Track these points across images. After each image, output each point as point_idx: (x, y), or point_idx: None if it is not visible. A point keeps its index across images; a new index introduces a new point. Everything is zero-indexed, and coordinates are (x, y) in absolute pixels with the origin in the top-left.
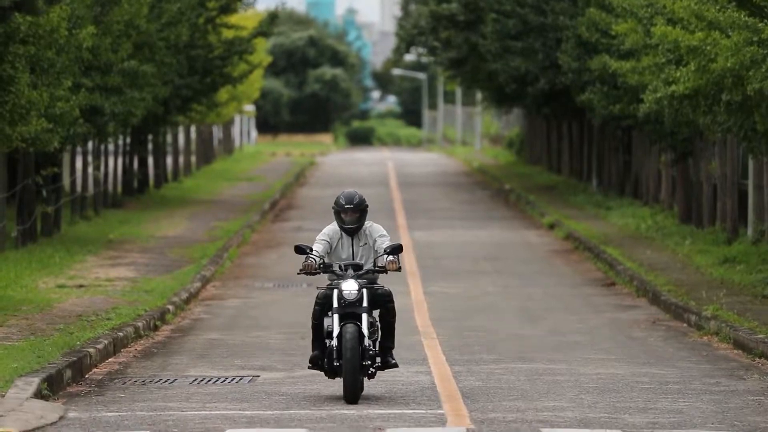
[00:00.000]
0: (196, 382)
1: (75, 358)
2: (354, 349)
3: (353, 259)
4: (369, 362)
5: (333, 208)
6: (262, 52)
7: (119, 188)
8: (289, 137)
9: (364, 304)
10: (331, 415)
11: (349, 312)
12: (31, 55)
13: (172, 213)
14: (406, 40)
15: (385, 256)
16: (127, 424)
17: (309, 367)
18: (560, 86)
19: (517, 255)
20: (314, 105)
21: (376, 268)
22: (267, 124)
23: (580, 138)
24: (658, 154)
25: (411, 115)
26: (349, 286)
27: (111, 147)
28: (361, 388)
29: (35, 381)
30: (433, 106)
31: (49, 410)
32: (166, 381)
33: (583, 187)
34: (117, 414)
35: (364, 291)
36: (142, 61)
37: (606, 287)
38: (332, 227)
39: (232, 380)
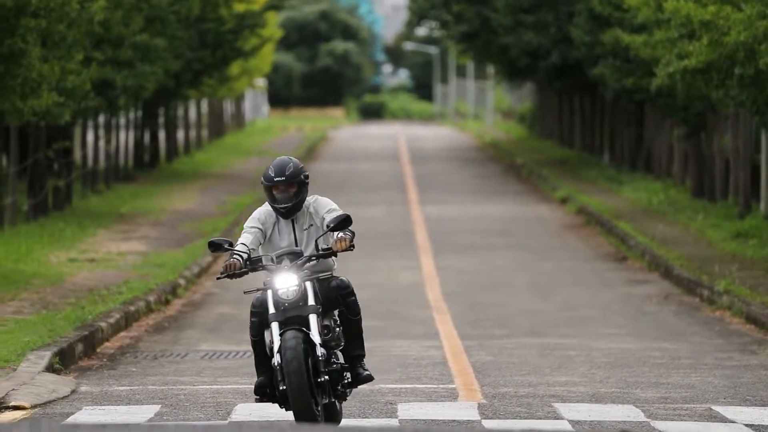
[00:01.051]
0: (207, 357)
1: (87, 332)
2: (297, 360)
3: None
4: (325, 378)
5: (261, 182)
6: (273, 25)
7: (131, 162)
8: (300, 111)
9: (311, 302)
10: None
11: (293, 316)
12: (42, 28)
13: (184, 187)
14: (418, 13)
15: (333, 234)
16: (138, 398)
17: (257, 400)
18: (572, 60)
19: (528, 229)
20: (326, 79)
21: (320, 252)
22: (278, 99)
23: (592, 112)
24: (671, 129)
25: (423, 89)
26: (285, 282)
27: (122, 121)
28: (334, 414)
29: (47, 355)
30: (444, 80)
31: (60, 384)
32: (177, 355)
33: (595, 161)
34: (128, 388)
35: (308, 285)
36: (154, 34)
37: (618, 262)
38: (265, 209)
39: (243, 354)
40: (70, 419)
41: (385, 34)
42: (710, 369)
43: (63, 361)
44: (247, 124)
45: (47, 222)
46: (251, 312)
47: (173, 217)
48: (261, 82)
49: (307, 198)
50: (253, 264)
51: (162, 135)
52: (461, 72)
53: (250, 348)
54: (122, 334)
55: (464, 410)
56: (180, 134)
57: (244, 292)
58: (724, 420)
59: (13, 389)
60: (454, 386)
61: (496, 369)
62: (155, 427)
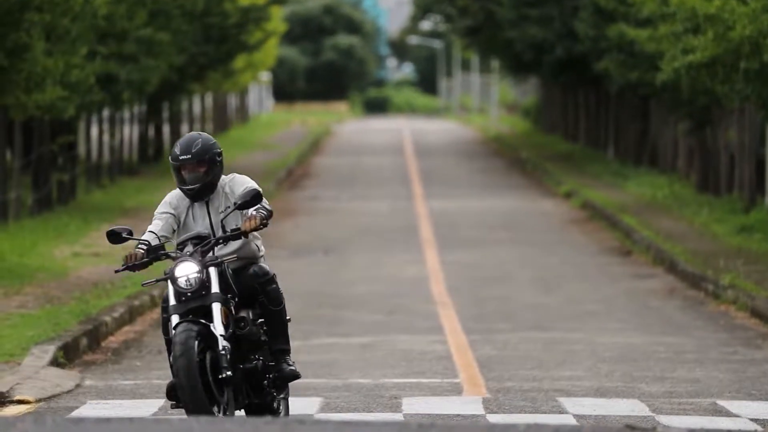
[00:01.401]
0: None
1: (91, 327)
2: (186, 356)
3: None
4: (228, 374)
5: (170, 162)
6: (277, 19)
7: (135, 156)
8: (305, 105)
9: (214, 289)
10: (346, 384)
11: (195, 307)
12: (47, 22)
13: None
14: (422, 7)
15: (246, 211)
16: (143, 392)
17: (172, 406)
18: (577, 54)
19: (533, 224)
20: (330, 73)
21: (228, 234)
22: (283, 93)
23: (596, 106)
24: (675, 123)
25: (427, 83)
26: (184, 270)
27: (127, 115)
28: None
29: (51, 349)
30: (449, 74)
31: (65, 378)
32: None
33: (599, 155)
34: (133, 382)
35: (211, 271)
36: (158, 29)
37: (622, 256)
38: (176, 192)
39: None
40: (75, 413)
41: (390, 28)
42: (715, 363)
43: (67, 356)
44: (251, 118)
45: (51, 216)
46: (161, 308)
47: None
48: (265, 77)
49: (223, 177)
50: (154, 252)
51: (166, 129)
52: (466, 66)
53: None
54: (126, 328)
55: (469, 405)
56: (184, 128)
57: (142, 285)
58: (729, 414)
59: (18, 383)
60: (458, 381)
61: (501, 363)
62: (159, 422)
